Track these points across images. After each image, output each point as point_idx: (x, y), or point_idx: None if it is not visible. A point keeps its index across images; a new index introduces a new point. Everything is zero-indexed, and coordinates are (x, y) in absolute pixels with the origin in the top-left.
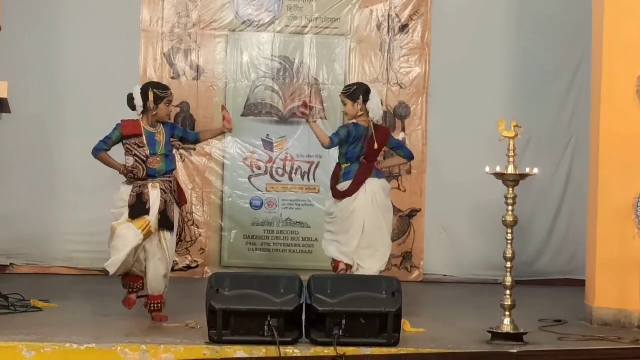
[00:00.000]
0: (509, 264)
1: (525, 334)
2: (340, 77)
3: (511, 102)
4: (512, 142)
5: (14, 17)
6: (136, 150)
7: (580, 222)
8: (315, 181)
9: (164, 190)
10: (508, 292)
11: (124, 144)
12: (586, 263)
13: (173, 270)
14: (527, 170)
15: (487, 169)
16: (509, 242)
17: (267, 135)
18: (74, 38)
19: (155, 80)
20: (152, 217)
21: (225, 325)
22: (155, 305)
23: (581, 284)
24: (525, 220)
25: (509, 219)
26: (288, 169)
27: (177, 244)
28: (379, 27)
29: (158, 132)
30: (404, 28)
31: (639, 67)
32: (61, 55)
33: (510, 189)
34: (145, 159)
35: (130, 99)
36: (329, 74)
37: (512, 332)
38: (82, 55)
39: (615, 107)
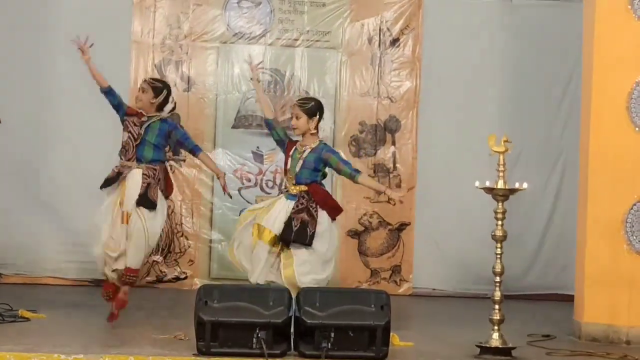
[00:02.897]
0: (498, 279)
1: (514, 348)
2: (331, 90)
3: (501, 117)
4: (502, 157)
5: (2, 26)
6: (131, 127)
7: (569, 237)
8: None
9: (146, 175)
10: (497, 306)
11: (124, 121)
12: (575, 278)
13: (162, 281)
14: (517, 185)
15: (477, 184)
16: (498, 256)
17: (257, 147)
18: (64, 48)
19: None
20: (128, 199)
21: (213, 337)
22: (130, 278)
23: (570, 299)
24: (514, 235)
25: (498, 233)
26: (278, 181)
27: (165, 255)
28: (369, 40)
29: (152, 123)
30: (394, 42)
31: (629, 83)
32: (51, 66)
33: (500, 204)
34: (135, 138)
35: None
36: (320, 86)
37: (500, 346)
38: (72, 65)
39: (606, 122)
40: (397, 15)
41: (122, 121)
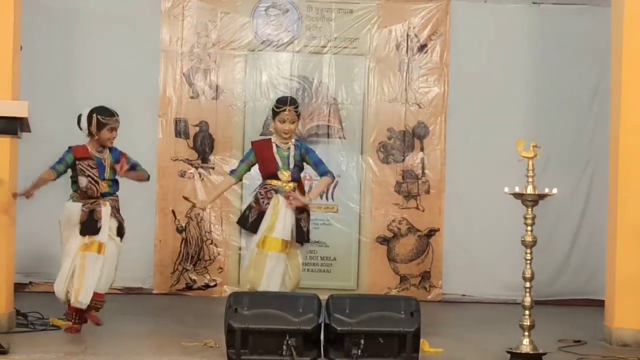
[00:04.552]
0: (527, 284)
1: (545, 354)
2: (359, 97)
3: (530, 122)
4: (530, 162)
5: (34, 36)
6: (89, 171)
7: (599, 241)
8: (333, 200)
9: (114, 208)
10: (527, 312)
11: (77, 165)
12: (605, 283)
13: (192, 289)
14: (546, 190)
15: (506, 189)
16: (528, 262)
17: None
18: (94, 57)
19: (175, 98)
20: (104, 234)
21: (243, 345)
22: (98, 303)
23: (601, 304)
24: (544, 240)
25: (528, 239)
26: (307, 188)
27: (195, 263)
28: (397, 46)
29: (104, 158)
30: (422, 48)
31: None
32: (81, 75)
33: (529, 209)
34: (97, 181)
35: (79, 119)
36: (348, 93)
37: (531, 352)
38: (102, 74)
39: (635, 126)
40: (425, 21)
41: (73, 167)
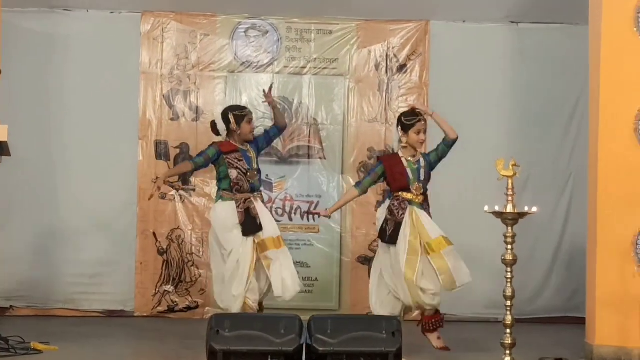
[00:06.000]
0: (508, 303)
1: None
2: (339, 117)
3: (509, 140)
4: (510, 181)
5: (14, 59)
6: (237, 163)
7: (580, 259)
8: (314, 221)
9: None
10: (508, 330)
11: (225, 159)
12: (586, 300)
13: (173, 311)
14: (526, 209)
15: (486, 208)
16: (509, 280)
17: (267, 175)
18: (74, 79)
19: (155, 120)
20: (267, 231)
21: None
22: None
23: (582, 321)
24: (524, 258)
25: (508, 257)
26: (287, 208)
27: (177, 285)
28: (377, 67)
29: (248, 150)
30: (402, 68)
31: (637, 103)
32: (61, 96)
33: (509, 228)
34: (246, 172)
35: (214, 125)
36: (328, 114)
37: None
38: (82, 96)
39: (614, 144)
40: (404, 41)
41: (215, 162)
